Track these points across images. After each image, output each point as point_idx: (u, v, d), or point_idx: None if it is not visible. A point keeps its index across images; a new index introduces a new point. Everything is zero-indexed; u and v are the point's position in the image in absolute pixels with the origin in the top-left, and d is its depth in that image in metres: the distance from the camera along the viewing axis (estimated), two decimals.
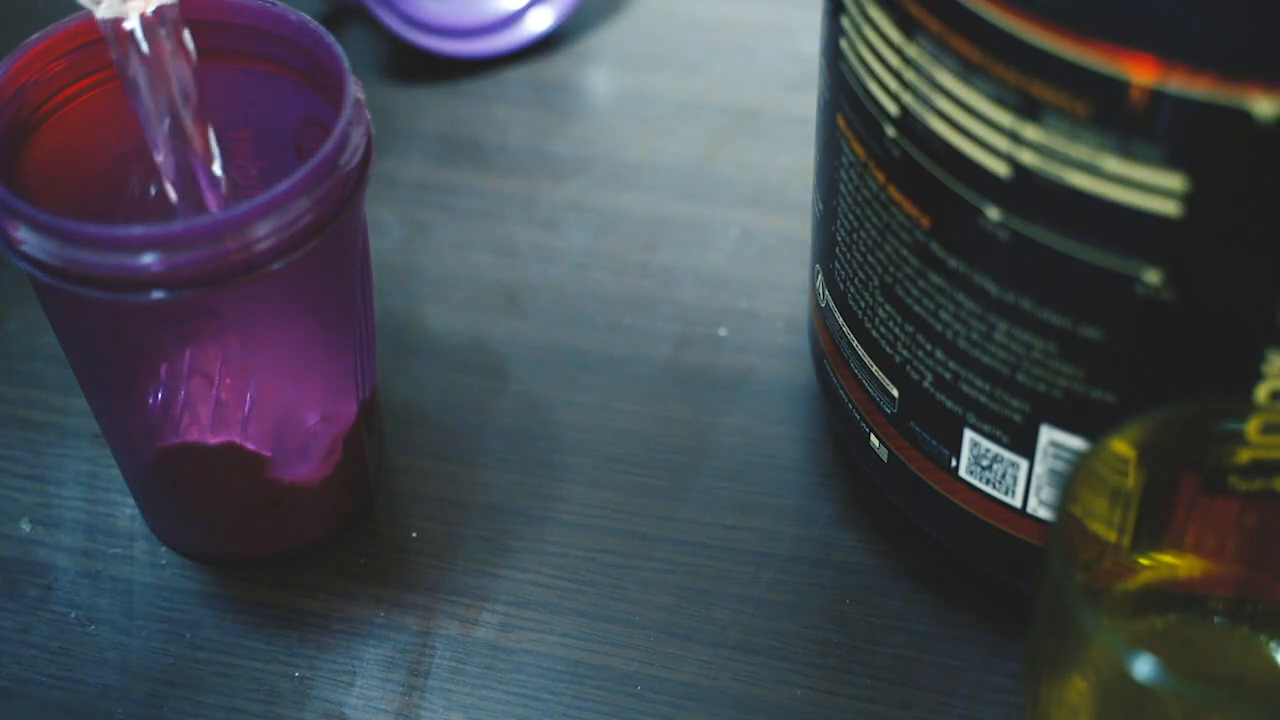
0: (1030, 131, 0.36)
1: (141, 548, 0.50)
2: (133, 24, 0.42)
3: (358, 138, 0.42)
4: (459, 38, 0.66)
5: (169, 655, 0.47)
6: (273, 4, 0.45)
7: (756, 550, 0.49)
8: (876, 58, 0.40)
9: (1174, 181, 0.35)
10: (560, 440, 0.52)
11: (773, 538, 0.49)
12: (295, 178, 0.40)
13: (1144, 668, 0.32)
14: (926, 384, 0.43)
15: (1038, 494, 0.42)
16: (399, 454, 0.52)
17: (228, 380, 0.46)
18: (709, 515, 0.50)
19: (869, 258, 0.43)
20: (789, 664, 0.46)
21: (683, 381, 0.54)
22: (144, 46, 0.42)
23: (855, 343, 0.46)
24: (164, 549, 0.50)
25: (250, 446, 0.47)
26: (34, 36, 0.44)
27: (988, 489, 0.43)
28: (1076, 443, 0.41)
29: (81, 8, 0.43)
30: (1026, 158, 0.37)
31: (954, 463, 0.44)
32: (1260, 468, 0.38)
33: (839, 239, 0.45)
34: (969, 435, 0.43)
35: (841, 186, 0.44)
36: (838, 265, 0.45)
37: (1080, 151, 0.36)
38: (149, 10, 0.42)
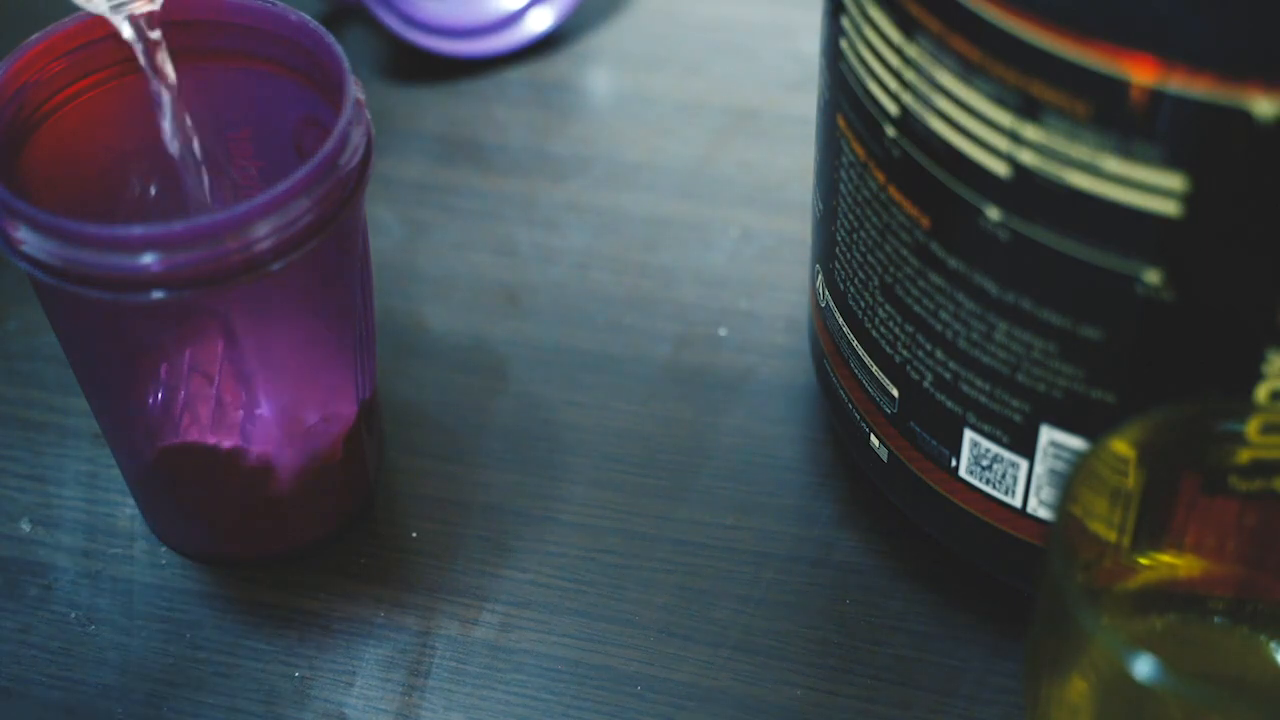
0: (1030, 131, 0.36)
1: (141, 548, 0.50)
2: (127, 31, 0.42)
3: (358, 138, 0.42)
4: (459, 38, 0.66)
5: (169, 655, 0.47)
6: (273, 4, 0.45)
7: (756, 550, 0.49)
8: (876, 58, 0.40)
9: (1174, 181, 0.35)
10: (560, 440, 0.52)
11: (773, 538, 0.49)
12: (295, 178, 0.40)
13: (1144, 668, 0.32)
14: (926, 384, 0.43)
15: (1038, 494, 0.42)
16: (399, 454, 0.52)
17: (228, 380, 0.46)
18: (709, 515, 0.50)
19: (869, 258, 0.43)
20: (789, 664, 0.46)
21: (683, 381, 0.54)
22: (138, 46, 0.42)
23: (855, 343, 0.46)
24: (164, 549, 0.50)
25: (250, 446, 0.47)
26: (34, 36, 0.44)
27: (988, 489, 0.43)
28: (1076, 443, 0.41)
29: (80, 8, 0.43)
30: (1026, 158, 0.37)
31: (954, 463, 0.44)
32: (1260, 468, 0.38)
33: (839, 239, 0.45)
34: (969, 435, 0.43)
35: (841, 186, 0.44)
36: (838, 265, 0.45)
37: (1080, 151, 0.36)
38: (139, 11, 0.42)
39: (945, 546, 0.47)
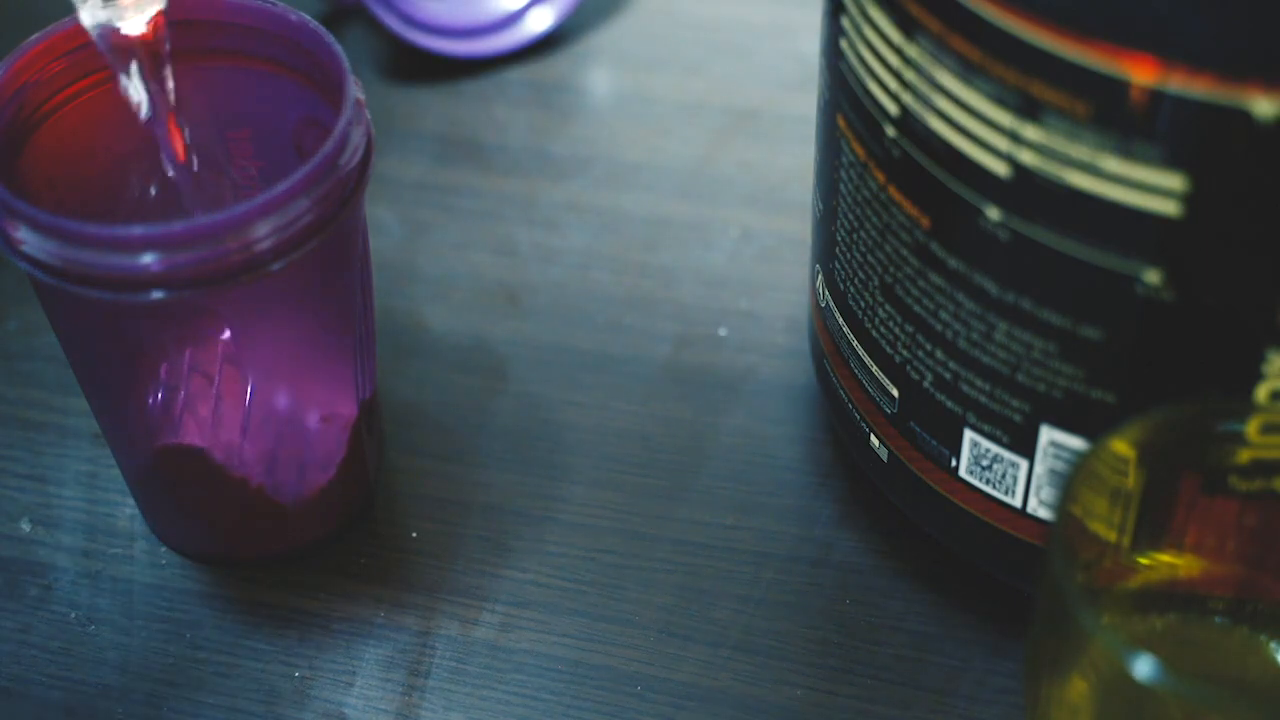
0: (1030, 131, 0.36)
1: (141, 548, 0.50)
2: (131, 28, 0.42)
3: (358, 138, 0.42)
4: (459, 38, 0.66)
5: (169, 655, 0.47)
6: (273, 4, 0.45)
7: (756, 550, 0.49)
8: (876, 58, 0.40)
9: (1174, 181, 0.35)
10: (560, 440, 0.52)
11: (773, 538, 0.49)
12: (295, 178, 0.40)
13: (1144, 668, 0.32)
14: (926, 384, 0.43)
15: (1038, 494, 0.42)
16: (399, 454, 0.52)
17: (228, 380, 0.46)
18: (709, 515, 0.50)
19: (869, 258, 0.43)
20: (789, 664, 0.46)
21: (683, 381, 0.54)
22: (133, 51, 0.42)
23: (855, 343, 0.46)
24: (164, 549, 0.50)
25: (250, 446, 0.47)
26: (34, 36, 0.44)
27: (988, 489, 0.43)
28: (1076, 443, 0.41)
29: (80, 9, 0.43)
30: (1026, 158, 0.37)
31: (954, 463, 0.44)
32: (1260, 468, 0.38)
33: (839, 239, 0.45)
34: (969, 435, 0.43)
35: (841, 186, 0.44)
36: (838, 265, 0.45)
37: (1080, 151, 0.36)
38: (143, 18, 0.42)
39: (945, 546, 0.47)
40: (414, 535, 0.50)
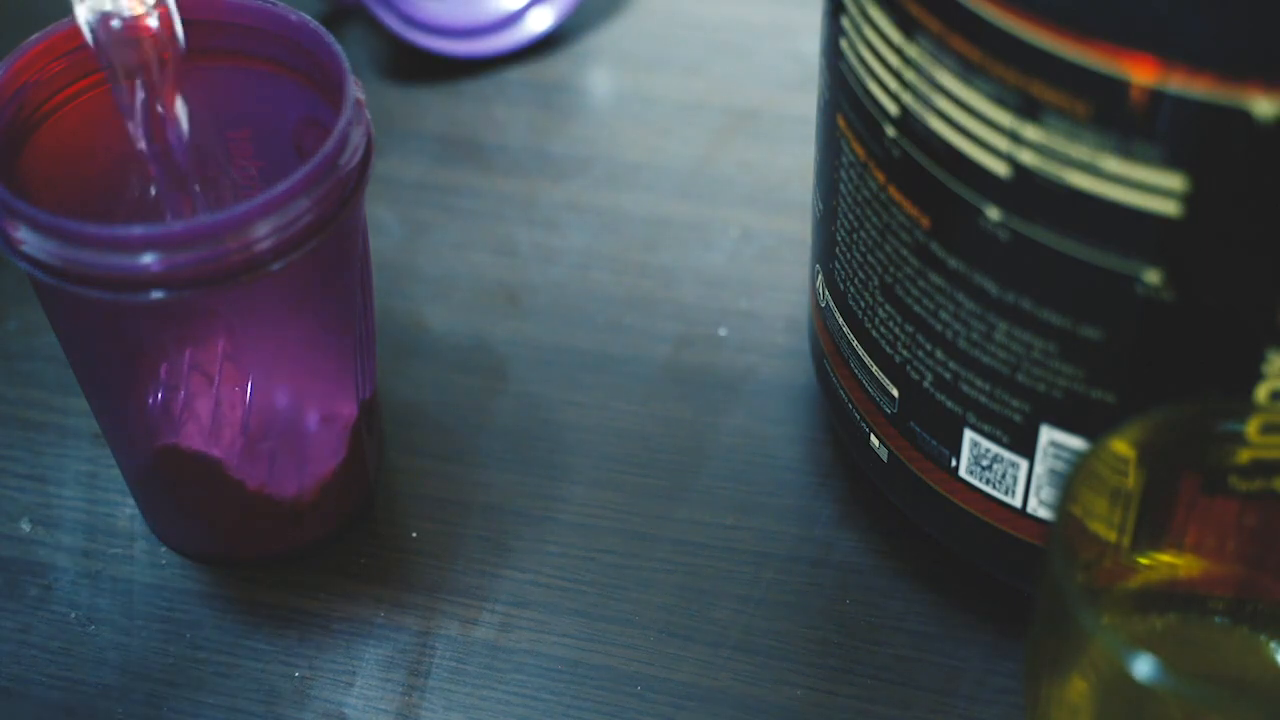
0: (1030, 131, 0.36)
1: (141, 548, 0.50)
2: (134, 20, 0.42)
3: (358, 138, 0.42)
4: (459, 38, 0.66)
5: (169, 655, 0.47)
6: (273, 4, 0.45)
7: (756, 550, 0.49)
8: (876, 58, 0.40)
9: (1174, 181, 0.35)
10: (560, 440, 0.52)
11: (773, 538, 0.49)
12: (295, 178, 0.40)
13: (1144, 668, 0.32)
14: (926, 384, 0.43)
15: (1038, 494, 0.42)
16: (399, 454, 0.52)
17: (228, 380, 0.46)
18: (709, 515, 0.50)
19: (869, 258, 0.43)
20: (789, 664, 0.46)
21: (683, 381, 0.54)
22: (134, 45, 0.42)
23: (855, 343, 0.46)
24: (164, 549, 0.50)
25: (250, 446, 0.47)
26: (34, 36, 0.44)
27: (988, 489, 0.43)
28: (1076, 443, 0.41)
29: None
30: (1026, 158, 0.37)
31: (954, 463, 0.44)
32: (1260, 468, 0.38)
33: (839, 239, 0.45)
34: (969, 435, 0.43)
35: (841, 186, 0.44)
36: (838, 265, 0.45)
37: (1080, 151, 0.36)
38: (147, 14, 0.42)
39: (945, 546, 0.47)
40: (414, 535, 0.50)
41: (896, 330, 0.43)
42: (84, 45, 0.45)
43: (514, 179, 0.62)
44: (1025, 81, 0.35)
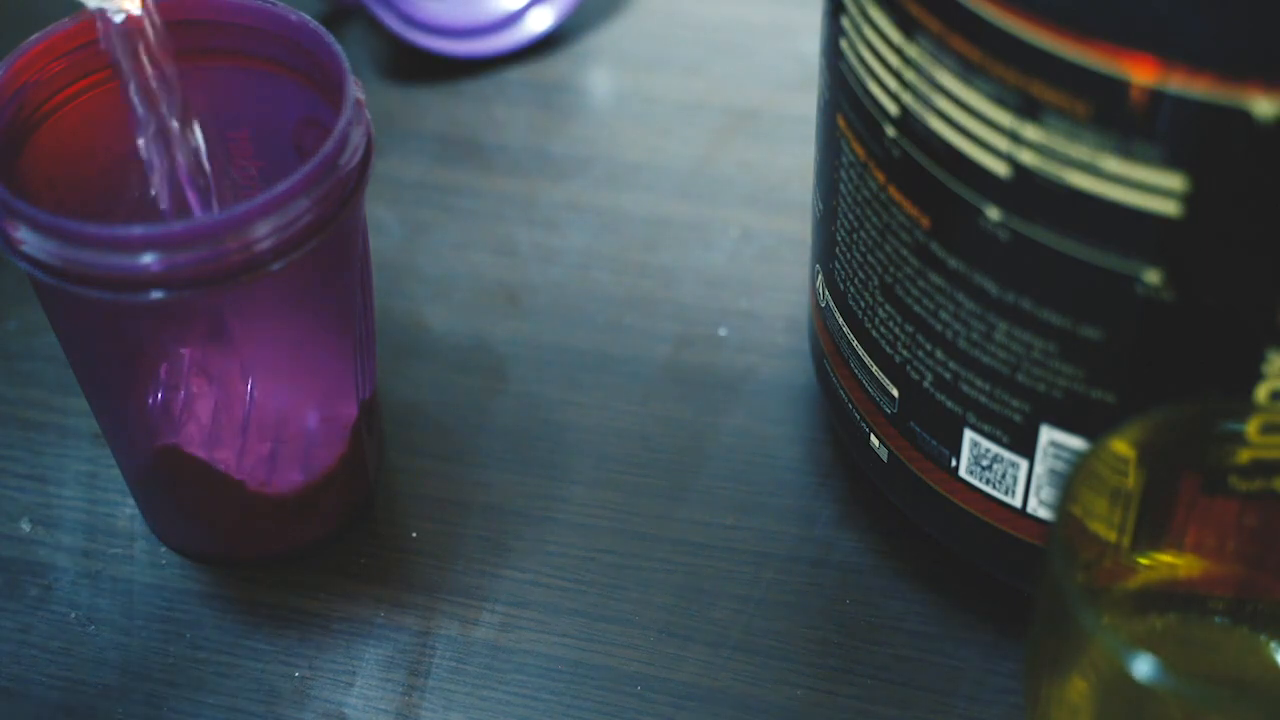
0: (1030, 131, 0.36)
1: (141, 548, 0.50)
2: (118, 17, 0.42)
3: (358, 138, 0.42)
4: (459, 38, 0.66)
5: (169, 655, 0.47)
6: (273, 4, 0.45)
7: (756, 550, 0.49)
8: (876, 58, 0.40)
9: (1174, 181, 0.35)
10: (560, 440, 0.52)
11: (773, 538, 0.49)
12: (295, 178, 0.40)
13: (1144, 668, 0.32)
14: (926, 384, 0.43)
15: (1038, 494, 0.42)
16: (399, 454, 0.52)
17: (227, 380, 0.46)
18: (709, 515, 0.50)
19: (869, 258, 0.43)
20: (789, 664, 0.46)
21: (683, 381, 0.54)
22: (121, 43, 0.42)
23: (855, 343, 0.46)
24: (164, 549, 0.50)
25: (250, 446, 0.47)
26: (34, 36, 0.44)
27: (988, 489, 0.43)
28: (1076, 443, 0.41)
29: (81, 7, 0.43)
30: (1026, 158, 0.37)
31: (954, 463, 0.44)
32: (1260, 468, 0.38)
33: (839, 239, 0.45)
34: (969, 435, 0.43)
35: (841, 186, 0.44)
36: (838, 265, 0.45)
37: (1080, 151, 0.36)
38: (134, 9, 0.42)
39: (945, 546, 0.47)
40: (414, 535, 0.50)
41: (896, 330, 0.43)
42: (84, 45, 0.45)
43: (514, 179, 0.62)
44: (1025, 81, 0.35)
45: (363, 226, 0.45)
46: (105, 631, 0.48)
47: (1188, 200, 0.35)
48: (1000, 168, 0.37)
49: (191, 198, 0.46)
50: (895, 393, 0.44)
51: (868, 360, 0.45)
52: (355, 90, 0.43)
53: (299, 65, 0.45)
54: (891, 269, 0.42)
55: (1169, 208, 0.35)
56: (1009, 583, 0.46)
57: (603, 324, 0.56)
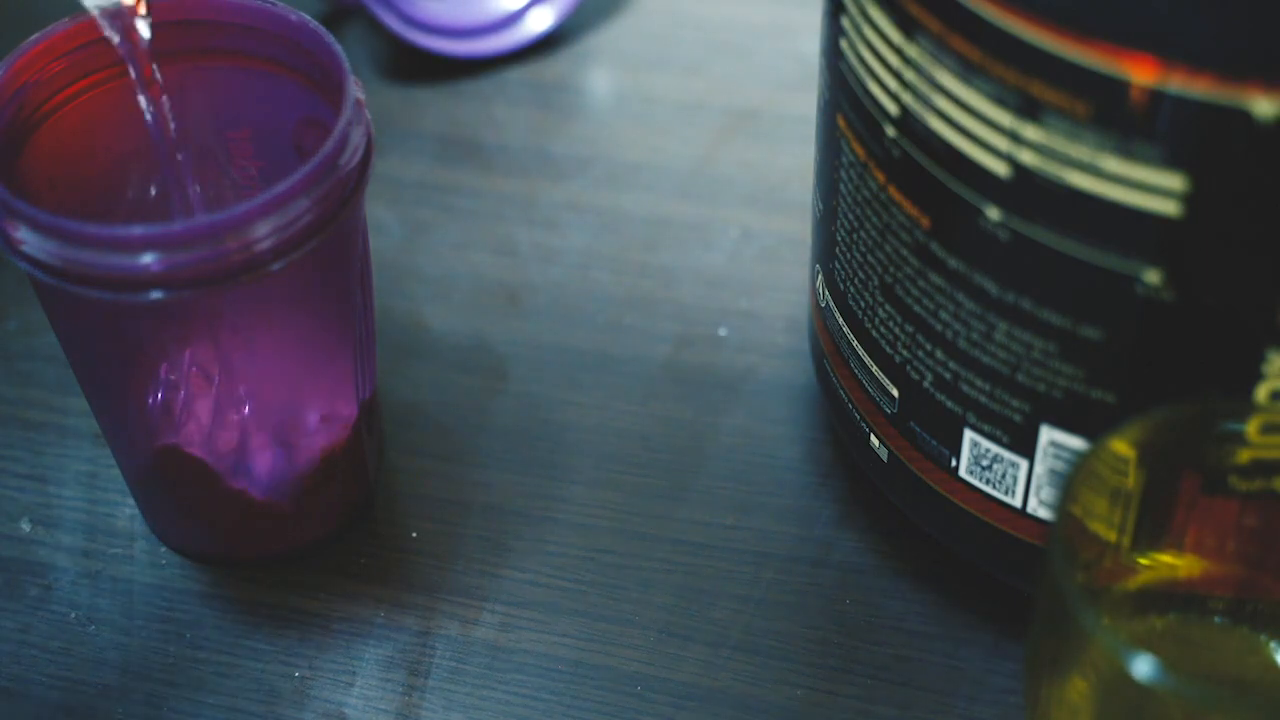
0: (1030, 131, 0.36)
1: (141, 548, 0.50)
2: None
3: (358, 138, 0.42)
4: (459, 38, 0.66)
5: (169, 655, 0.47)
6: (273, 4, 0.45)
7: (756, 550, 0.49)
8: (876, 58, 0.40)
9: (1174, 181, 0.35)
10: (560, 440, 0.52)
11: (773, 538, 0.49)
12: (295, 178, 0.40)
13: (1144, 668, 0.32)
14: (926, 384, 0.43)
15: (1038, 494, 0.42)
16: (399, 454, 0.52)
17: (227, 380, 0.46)
18: (709, 515, 0.50)
19: (869, 258, 0.43)
20: (789, 664, 0.46)
21: (683, 381, 0.54)
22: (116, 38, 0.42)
23: (855, 343, 0.46)
24: (164, 549, 0.50)
25: (250, 446, 0.47)
26: (34, 36, 0.44)
27: (988, 489, 0.43)
28: (1076, 443, 0.41)
29: (81, 7, 0.43)
30: (1026, 158, 0.37)
31: (954, 463, 0.44)
32: (1260, 468, 0.38)
33: (839, 239, 0.45)
34: (969, 435, 0.43)
35: (841, 186, 0.44)
36: (838, 265, 0.45)
37: (1080, 151, 0.36)
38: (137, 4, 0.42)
39: (945, 546, 0.47)
40: (414, 535, 0.50)
41: (896, 330, 0.43)
42: (84, 45, 0.45)
43: (514, 179, 0.62)
44: (1025, 81, 0.35)
45: (363, 226, 0.45)
46: (105, 631, 0.48)
47: (1188, 200, 0.35)
48: (1000, 168, 0.37)
49: (192, 196, 0.46)
50: (895, 393, 0.44)
51: (868, 360, 0.45)
52: (355, 90, 0.43)
53: (299, 65, 0.45)
54: (891, 269, 0.42)
55: (1169, 208, 0.35)
56: (1009, 583, 0.46)
57: (603, 324, 0.56)
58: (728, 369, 0.54)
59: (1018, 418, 0.41)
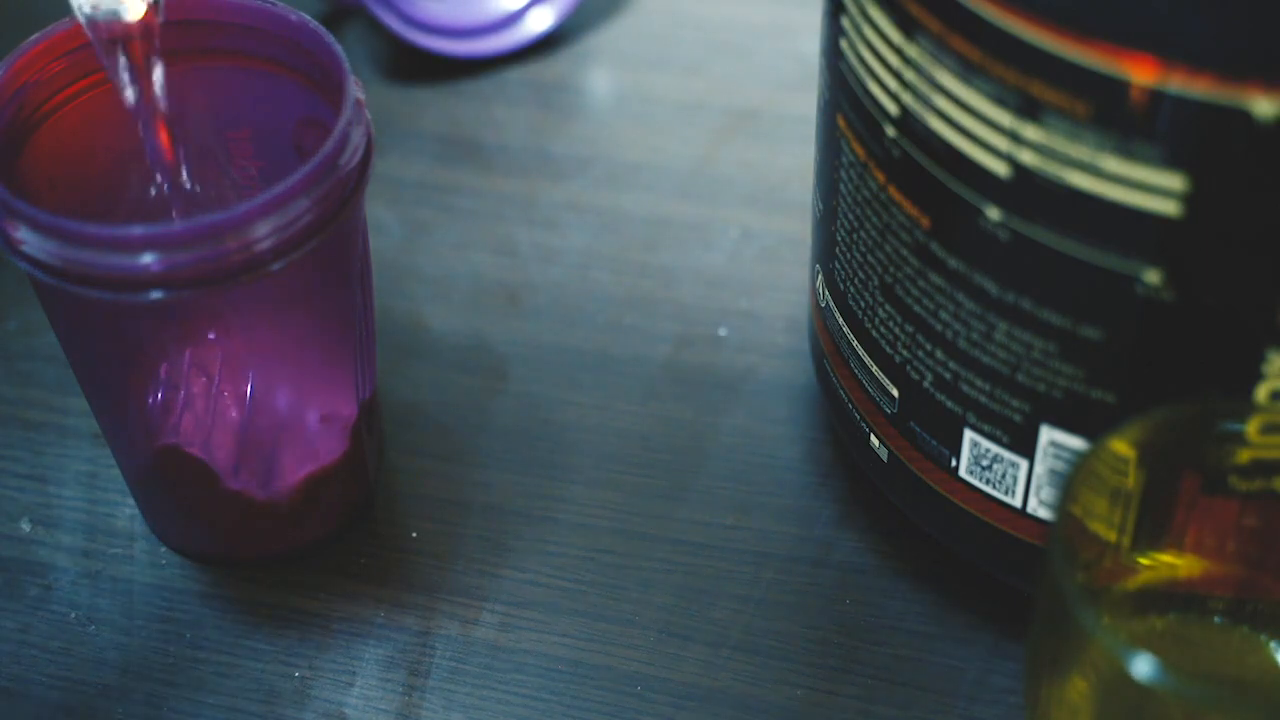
0: (1030, 131, 0.36)
1: (141, 548, 0.50)
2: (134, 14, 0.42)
3: (358, 138, 0.42)
4: (459, 38, 0.66)
5: (169, 655, 0.47)
6: (273, 4, 0.45)
7: (756, 550, 0.49)
8: (876, 58, 0.40)
9: (1174, 181, 0.35)
10: (560, 440, 0.52)
11: (773, 538, 0.49)
12: (295, 178, 0.40)
13: (1144, 668, 0.32)
14: (926, 384, 0.43)
15: (1038, 494, 0.42)
16: (399, 454, 0.52)
17: (228, 380, 0.46)
18: (709, 515, 0.50)
19: (869, 258, 0.43)
20: (789, 664, 0.46)
21: (683, 381, 0.54)
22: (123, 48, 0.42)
23: (855, 343, 0.46)
24: (164, 549, 0.50)
25: (250, 446, 0.47)
26: (34, 36, 0.44)
27: (988, 489, 0.43)
28: (1076, 443, 0.41)
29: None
30: (1026, 158, 0.37)
31: (954, 463, 0.44)
32: (1260, 468, 0.38)
33: (839, 239, 0.45)
34: (969, 435, 0.43)
35: (841, 186, 0.44)
36: (838, 265, 0.45)
37: (1080, 151, 0.36)
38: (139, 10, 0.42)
39: (945, 546, 0.47)
40: (414, 535, 0.50)
41: (896, 330, 0.43)
42: (84, 45, 0.45)
43: (514, 179, 0.62)
44: (1025, 81, 0.35)
45: (363, 226, 0.45)
46: (105, 631, 0.48)
47: (1188, 200, 0.35)
48: (1000, 168, 0.37)
49: (193, 197, 0.46)
50: (895, 393, 0.44)
51: (868, 360, 0.45)
52: (355, 90, 0.43)
53: (299, 65, 0.45)
54: (891, 269, 0.42)
55: (1169, 208, 0.35)
56: (1009, 583, 0.46)
57: (603, 324, 0.56)
58: (728, 369, 0.54)
59: (1018, 418, 0.41)
